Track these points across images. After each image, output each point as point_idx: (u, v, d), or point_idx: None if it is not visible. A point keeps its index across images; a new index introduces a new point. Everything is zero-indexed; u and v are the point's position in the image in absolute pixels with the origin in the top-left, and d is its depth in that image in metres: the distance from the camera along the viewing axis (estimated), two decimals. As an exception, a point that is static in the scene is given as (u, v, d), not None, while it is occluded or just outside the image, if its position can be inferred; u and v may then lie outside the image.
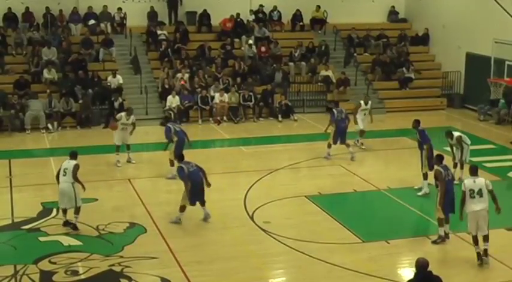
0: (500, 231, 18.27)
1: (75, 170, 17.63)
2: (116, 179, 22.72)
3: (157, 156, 25.17)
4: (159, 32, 34.20)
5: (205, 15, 35.69)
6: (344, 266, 15.96)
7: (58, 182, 17.79)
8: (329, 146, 24.55)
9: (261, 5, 36.55)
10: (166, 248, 16.83)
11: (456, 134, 21.61)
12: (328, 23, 37.11)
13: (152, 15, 35.03)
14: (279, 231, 17.82)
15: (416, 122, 21.50)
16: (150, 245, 17.06)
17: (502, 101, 30.79)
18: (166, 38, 33.94)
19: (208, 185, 18.56)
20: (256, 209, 19.47)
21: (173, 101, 30.26)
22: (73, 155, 18.13)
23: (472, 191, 15.90)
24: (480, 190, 15.94)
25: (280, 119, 30.98)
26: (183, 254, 16.28)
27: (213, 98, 31.04)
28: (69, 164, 17.77)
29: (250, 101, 31.32)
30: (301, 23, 36.90)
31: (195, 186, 18.17)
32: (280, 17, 36.82)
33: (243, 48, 34.77)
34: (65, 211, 18.00)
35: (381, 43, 36.51)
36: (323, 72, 33.75)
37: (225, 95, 31.01)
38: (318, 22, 37.20)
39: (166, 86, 31.12)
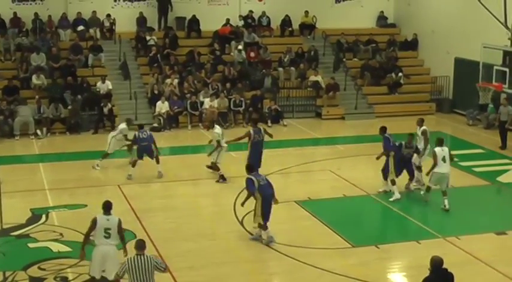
0: (490, 235, 18.35)
1: (121, 227, 14.20)
2: (105, 184, 22.66)
3: (146, 162, 25.12)
4: (148, 37, 34.19)
5: (194, 21, 35.68)
6: (334, 271, 15.98)
7: (85, 240, 14.54)
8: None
9: (251, 11, 36.60)
10: (156, 254, 16.75)
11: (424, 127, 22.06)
12: (317, 28, 37.17)
13: (141, 20, 35.01)
14: (265, 236, 17.78)
15: (382, 129, 21.60)
16: (140, 251, 17.00)
17: (491, 105, 30.88)
18: (156, 43, 33.92)
19: (276, 201, 17.57)
20: (246, 214, 19.42)
21: (162, 106, 30.24)
22: (109, 208, 14.31)
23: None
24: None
25: (269, 124, 30.96)
26: (174, 260, 16.25)
27: (202, 103, 31.02)
28: (110, 222, 14.10)
29: (241, 106, 31.33)
30: (290, 29, 36.94)
31: (266, 200, 17.26)
32: (269, 22, 36.86)
33: (232, 53, 34.78)
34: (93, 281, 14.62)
35: (370, 48, 36.59)
36: (312, 78, 33.80)
37: (215, 100, 31.00)
38: (307, 27, 37.25)
39: (156, 92, 31.09)
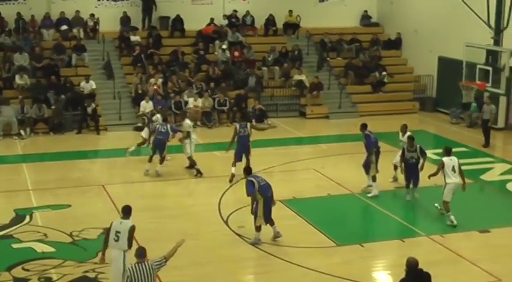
0: (473, 233, 18.43)
1: (131, 234, 13.86)
2: (89, 184, 22.57)
3: (131, 161, 25.10)
4: (131, 37, 34.09)
5: (178, 20, 35.62)
6: (319, 270, 16.01)
7: (105, 244, 14.15)
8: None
9: (234, 10, 36.58)
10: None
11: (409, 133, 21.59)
12: (301, 28, 37.19)
13: (125, 20, 34.91)
14: (253, 237, 17.79)
15: (363, 126, 21.74)
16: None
17: (474, 104, 31.02)
18: (139, 43, 33.84)
19: (274, 203, 17.75)
20: (231, 213, 19.46)
21: (146, 106, 30.15)
22: (127, 212, 14.16)
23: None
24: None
25: (253, 123, 30.93)
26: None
27: (186, 103, 30.99)
28: (122, 225, 13.90)
29: (225, 105, 31.33)
30: (274, 28, 36.95)
31: (267, 201, 17.34)
32: (253, 21, 36.86)
33: (216, 53, 34.75)
34: None
35: (353, 47, 36.65)
36: (296, 77, 33.83)
37: (199, 99, 30.97)
38: (291, 27, 37.27)
39: (140, 91, 31.02)
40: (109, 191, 21.66)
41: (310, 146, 28.25)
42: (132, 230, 13.86)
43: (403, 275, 12.11)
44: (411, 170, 20.57)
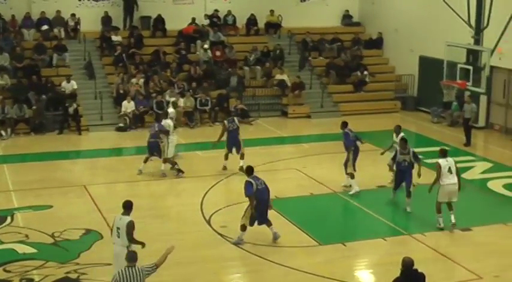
0: (455, 232, 18.51)
1: (129, 229, 13.90)
2: (71, 185, 22.49)
3: (112, 161, 25.07)
4: (113, 37, 33.99)
5: (159, 20, 35.55)
6: (301, 269, 16.03)
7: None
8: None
9: (216, 10, 36.55)
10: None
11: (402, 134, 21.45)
12: (282, 27, 37.22)
13: (106, 20, 34.80)
14: (236, 236, 17.80)
15: (343, 124, 21.97)
16: (106, 251, 16.86)
17: (455, 103, 31.17)
18: (121, 43, 33.74)
19: (271, 207, 17.71)
20: (213, 213, 19.47)
21: (128, 106, 30.11)
22: (127, 207, 14.23)
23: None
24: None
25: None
26: (141, 260, 16.10)
27: (168, 102, 30.92)
28: (121, 221, 14.00)
29: (207, 105, 31.31)
30: (255, 27, 36.96)
31: (261, 205, 17.30)
32: (234, 21, 36.84)
33: (198, 52, 34.72)
34: None
35: (335, 47, 36.72)
36: (278, 76, 33.85)
37: (181, 99, 30.93)
38: (273, 26, 37.28)
39: (121, 91, 30.94)
40: (91, 191, 21.60)
41: (292, 145, 28.28)
42: (129, 225, 13.81)
43: (385, 274, 12.18)
44: (403, 174, 20.05)
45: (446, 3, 29.63)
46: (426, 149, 26.40)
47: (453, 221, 18.35)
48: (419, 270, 12.00)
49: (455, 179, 18.32)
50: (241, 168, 22.38)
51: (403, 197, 20.18)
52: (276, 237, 17.66)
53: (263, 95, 33.34)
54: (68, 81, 30.71)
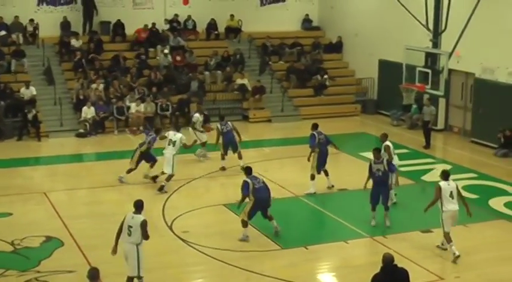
0: (416, 233, 18.66)
1: (144, 228, 14.28)
2: (31, 192, 22.28)
3: (73, 168, 24.89)
4: (72, 42, 33.75)
5: (119, 25, 35.39)
6: (263, 273, 16.05)
7: (117, 237, 14.67)
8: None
9: (176, 15, 36.47)
10: (84, 261, 16.61)
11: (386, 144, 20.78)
12: (242, 32, 37.27)
13: (65, 25, 34.54)
14: (198, 241, 17.81)
15: (312, 126, 22.18)
16: (67, 258, 16.82)
17: (414, 106, 31.44)
18: (80, 48, 33.52)
19: (269, 204, 18.23)
20: (175, 218, 19.41)
21: (88, 112, 29.91)
22: (138, 207, 14.57)
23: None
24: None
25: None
26: (102, 267, 15.95)
27: (128, 108, 30.80)
28: (134, 220, 14.31)
29: (167, 110, 31.22)
30: (216, 32, 36.94)
31: (259, 204, 17.84)
32: (194, 26, 36.78)
33: (158, 57, 34.62)
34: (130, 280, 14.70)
35: (295, 51, 36.85)
36: (238, 81, 33.88)
37: (141, 104, 30.82)
38: (233, 31, 37.32)
39: (81, 97, 30.74)
40: (51, 198, 21.41)
41: (253, 149, 28.26)
42: (143, 224, 14.21)
43: (348, 277, 12.26)
44: (378, 187, 18.96)
45: (404, 7, 29.87)
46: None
47: (456, 253, 16.89)
48: (400, 266, 12.18)
49: (457, 205, 16.95)
50: (242, 168, 22.53)
51: (364, 199, 20.29)
52: (277, 232, 18.26)
53: (224, 100, 33.35)
54: (27, 87, 30.42)
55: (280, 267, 16.60)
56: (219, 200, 21.07)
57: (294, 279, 15.81)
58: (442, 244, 17.38)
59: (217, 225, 19.44)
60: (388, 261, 12.06)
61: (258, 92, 33.34)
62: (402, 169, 23.78)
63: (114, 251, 14.61)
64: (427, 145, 28.05)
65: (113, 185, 22.91)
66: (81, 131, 29.58)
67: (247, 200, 17.98)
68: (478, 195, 21.95)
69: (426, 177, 23.86)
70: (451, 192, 16.84)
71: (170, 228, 18.87)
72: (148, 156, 22.98)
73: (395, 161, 20.70)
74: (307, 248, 17.67)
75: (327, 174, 22.10)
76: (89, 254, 17.00)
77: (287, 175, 23.76)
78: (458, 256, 16.78)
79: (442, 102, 30.44)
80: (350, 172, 23.68)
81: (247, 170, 18.33)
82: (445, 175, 17.13)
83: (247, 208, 17.81)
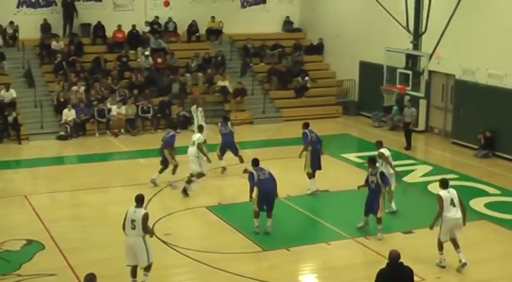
0: (397, 235, 18.73)
1: (144, 221, 14.75)
2: (11, 195, 22.19)
3: (54, 171, 24.78)
4: (52, 44, 33.61)
5: (99, 27, 35.29)
6: (246, 275, 16.04)
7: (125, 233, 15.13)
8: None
9: (156, 16, 36.41)
10: (65, 264, 16.56)
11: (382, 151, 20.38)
12: (224, 34, 37.26)
13: (45, 27, 34.41)
14: (180, 243, 17.78)
15: (304, 124, 22.22)
16: (48, 261, 16.75)
17: (395, 107, 31.56)
18: (61, 50, 33.38)
19: (276, 195, 18.88)
20: (157, 221, 19.33)
21: (69, 114, 29.80)
22: (140, 201, 15.05)
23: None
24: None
25: (178, 130, 30.85)
26: (83, 270, 15.95)
27: (109, 110, 30.72)
28: (136, 214, 14.81)
29: (149, 112, 31.16)
30: (197, 34, 36.92)
31: (263, 194, 18.46)
32: (175, 28, 36.75)
33: (139, 59, 34.55)
34: (134, 270, 15.23)
35: (276, 53, 36.89)
36: (220, 83, 33.87)
37: (122, 107, 30.75)
38: (214, 33, 37.30)
39: (62, 99, 30.62)
40: (32, 201, 21.31)
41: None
42: (144, 217, 14.69)
43: (330, 278, 12.29)
44: (372, 197, 18.50)
45: (385, 9, 29.99)
46: (368, 153, 26.57)
47: (463, 260, 16.49)
48: (405, 265, 12.44)
49: (459, 213, 16.48)
50: (245, 171, 22.62)
51: (348, 199, 20.36)
52: (268, 230, 18.64)
53: (205, 102, 33.27)
54: (7, 90, 30.28)
55: (262, 269, 16.62)
56: (201, 202, 21.06)
57: (276, 281, 15.82)
58: (461, 264, 16.56)
59: (199, 227, 19.43)
60: (394, 258, 12.38)
61: (239, 94, 33.35)
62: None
63: None
64: (408, 146, 28.15)
65: (94, 188, 22.86)
66: (62, 133, 29.46)
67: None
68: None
69: (407, 179, 23.92)
70: (452, 200, 16.45)
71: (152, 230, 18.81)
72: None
73: (390, 169, 20.07)
74: (289, 250, 17.68)
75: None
76: (70, 257, 16.94)
77: (269, 177, 23.75)
78: (443, 267, 16.60)
79: (422, 103, 30.57)
80: (332, 174, 23.71)
81: (254, 162, 18.94)
82: (444, 184, 16.76)
83: (255, 199, 18.41)
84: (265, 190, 18.38)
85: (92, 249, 17.63)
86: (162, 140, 23.15)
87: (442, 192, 16.57)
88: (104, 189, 22.79)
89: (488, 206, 21.44)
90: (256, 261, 17.09)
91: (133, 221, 14.71)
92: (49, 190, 22.91)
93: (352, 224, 19.48)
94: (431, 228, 16.69)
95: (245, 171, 22.49)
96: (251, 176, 18.43)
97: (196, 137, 22.57)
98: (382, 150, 20.37)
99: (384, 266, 12.60)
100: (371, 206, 18.49)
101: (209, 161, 22.63)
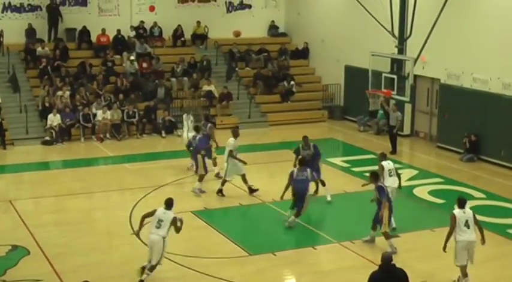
0: (383, 239, 18.68)
1: (175, 222, 15.67)
2: (-4, 200, 22.10)
3: (39, 176, 24.69)
4: (37, 49, 33.50)
5: (85, 32, 35.21)
6: (232, 280, 16.03)
7: (141, 225, 16.11)
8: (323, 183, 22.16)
9: (142, 21, 36.37)
10: (50, 269, 16.48)
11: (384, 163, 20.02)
12: (209, 38, 37.26)
13: (30, 32, 34.29)
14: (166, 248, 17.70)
15: (304, 138, 22.21)
16: (33, 267, 16.68)
17: (381, 112, 31.61)
18: (46, 55, 33.28)
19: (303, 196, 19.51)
20: (143, 225, 19.27)
21: (54, 119, 29.70)
22: (169, 204, 15.86)
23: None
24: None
25: (163, 135, 30.87)
26: (69, 275, 15.98)
27: (95, 115, 30.64)
28: (165, 215, 15.66)
29: (134, 117, 31.10)
30: (182, 39, 36.90)
31: (296, 193, 19.44)
32: (161, 32, 36.72)
33: (124, 64, 34.49)
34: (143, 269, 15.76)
35: (261, 57, 36.91)
36: (205, 87, 33.84)
37: (108, 112, 30.68)
38: (199, 37, 37.29)
39: (47, 104, 30.52)
40: (17, 206, 21.21)
41: (220, 156, 28.18)
42: (174, 220, 15.62)
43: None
44: (377, 212, 17.85)
45: (370, 14, 30.08)
46: (353, 157, 26.84)
47: None
48: (398, 267, 12.53)
49: (473, 235, 15.39)
50: (216, 175, 22.69)
51: (331, 204, 20.35)
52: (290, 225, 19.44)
53: (191, 106, 33.24)
54: (-8, 95, 30.19)
55: (248, 273, 16.61)
56: (187, 207, 21.00)
57: (262, 286, 15.83)
58: (458, 280, 15.84)
59: (185, 232, 19.28)
60: (386, 260, 12.41)
61: (225, 99, 33.34)
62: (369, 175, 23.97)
63: (138, 235, 16.47)
64: (394, 150, 28.17)
65: (80, 193, 22.79)
66: (47, 138, 29.36)
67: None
68: (445, 200, 22.10)
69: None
70: (467, 221, 15.29)
71: (137, 235, 18.73)
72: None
73: (390, 182, 19.50)
74: (275, 254, 17.68)
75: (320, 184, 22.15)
76: (55, 262, 16.87)
77: (255, 182, 23.65)
78: None
79: (408, 107, 30.65)
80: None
81: (299, 162, 19.88)
82: (461, 202, 15.58)
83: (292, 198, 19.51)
84: (296, 189, 19.38)
85: (77, 254, 17.56)
86: (189, 145, 23.15)
87: (457, 211, 15.46)
88: (89, 195, 22.71)
89: (474, 209, 21.40)
90: (242, 266, 17.07)
91: (160, 220, 15.58)
92: (34, 195, 22.82)
93: (338, 228, 19.52)
94: (444, 250, 15.62)
95: (217, 175, 22.60)
96: (290, 174, 19.46)
97: (228, 143, 22.78)
98: (383, 162, 19.90)
99: (370, 270, 12.61)
100: (377, 220, 17.89)
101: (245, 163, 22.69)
